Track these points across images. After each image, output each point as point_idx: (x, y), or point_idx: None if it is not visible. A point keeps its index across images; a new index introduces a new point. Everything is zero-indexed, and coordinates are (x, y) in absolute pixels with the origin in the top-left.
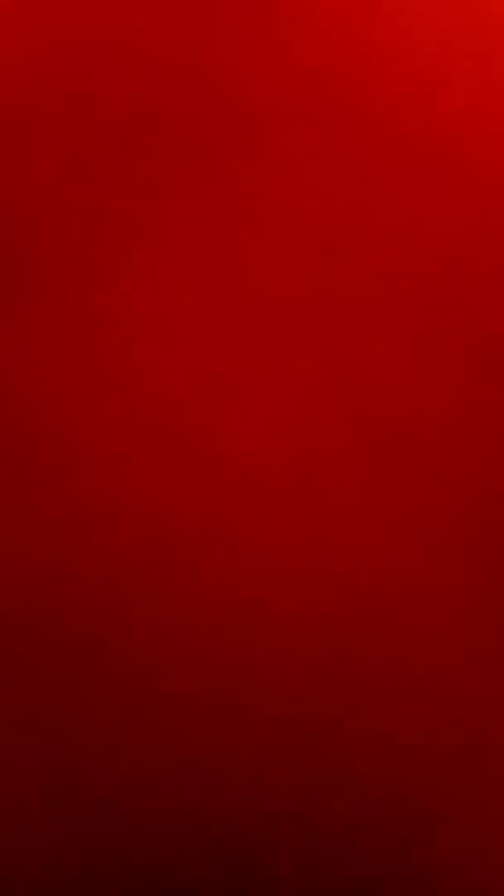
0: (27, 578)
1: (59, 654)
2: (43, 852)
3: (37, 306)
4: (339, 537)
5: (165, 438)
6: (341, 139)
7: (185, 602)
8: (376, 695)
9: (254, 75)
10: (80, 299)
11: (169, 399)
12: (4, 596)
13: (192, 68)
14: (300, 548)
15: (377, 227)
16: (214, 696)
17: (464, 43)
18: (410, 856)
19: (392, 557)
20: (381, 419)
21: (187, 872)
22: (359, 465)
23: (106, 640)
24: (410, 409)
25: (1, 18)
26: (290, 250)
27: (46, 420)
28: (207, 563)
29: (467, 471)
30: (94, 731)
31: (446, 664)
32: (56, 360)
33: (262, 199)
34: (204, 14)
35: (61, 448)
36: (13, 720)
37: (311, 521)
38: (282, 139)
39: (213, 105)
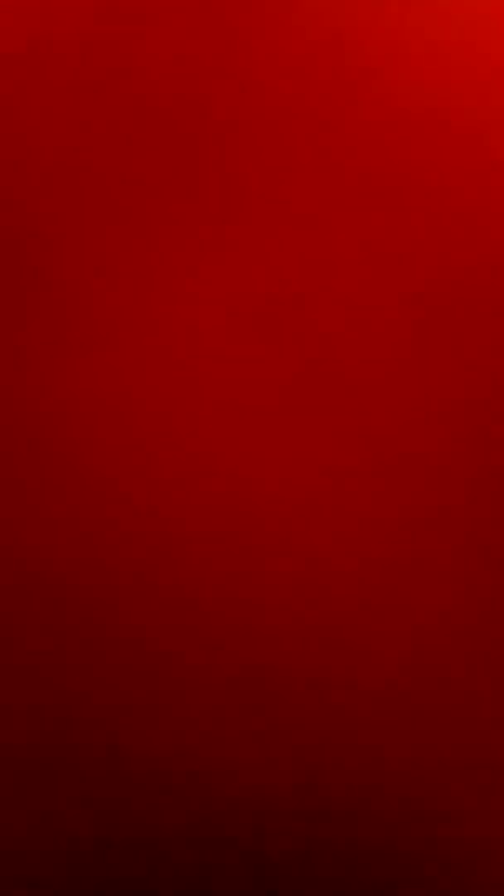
0: (26, 580)
1: (58, 658)
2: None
3: (37, 308)
4: (340, 547)
5: (164, 444)
6: (345, 145)
7: (185, 613)
8: (376, 708)
9: (258, 76)
10: (83, 304)
11: (169, 405)
12: (3, 596)
13: (195, 69)
14: (300, 560)
15: (383, 233)
16: (216, 698)
17: (469, 47)
18: (413, 852)
19: (393, 568)
20: (383, 426)
21: (186, 870)
22: (360, 474)
23: (105, 644)
24: (412, 416)
25: (8, 31)
26: (295, 258)
27: (46, 427)
28: (208, 573)
29: (471, 484)
30: (92, 731)
31: (447, 671)
32: (58, 367)
33: (265, 201)
34: (207, 15)
35: (62, 454)
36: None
37: (312, 528)
38: (285, 140)
39: (216, 106)
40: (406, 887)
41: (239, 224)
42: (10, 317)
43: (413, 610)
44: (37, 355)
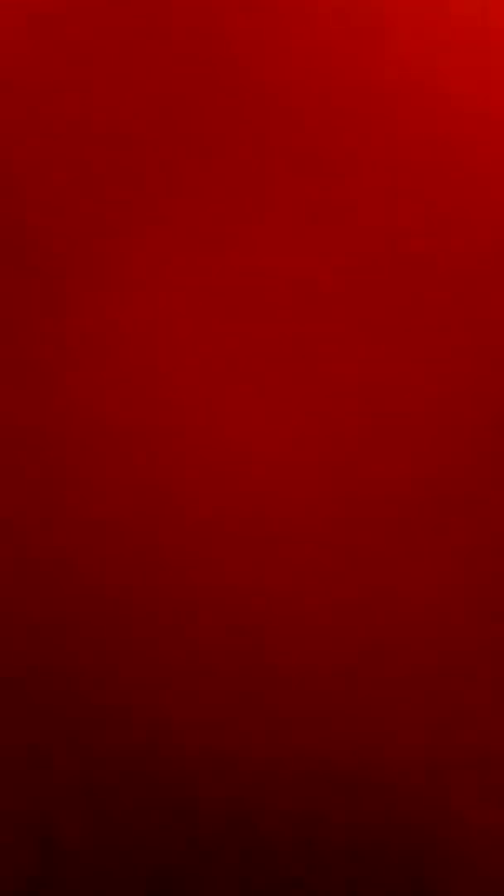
0: (27, 578)
1: (59, 649)
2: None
3: (36, 308)
4: (342, 541)
5: (164, 442)
6: (346, 145)
7: (186, 613)
8: (376, 704)
9: (259, 76)
10: (83, 303)
11: (169, 404)
12: (4, 594)
13: (196, 68)
14: (300, 554)
15: (382, 232)
16: (215, 699)
17: (467, 49)
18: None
19: (393, 561)
20: (385, 425)
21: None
22: (360, 471)
23: (105, 643)
24: (412, 412)
25: (8, 31)
26: (294, 256)
27: (46, 425)
28: (208, 572)
29: (479, 485)
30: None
31: (448, 660)
32: (58, 365)
33: (265, 200)
34: (209, 15)
35: (61, 452)
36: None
37: (312, 525)
38: (285, 140)
39: (217, 105)
40: (407, 886)
41: (238, 224)
42: (9, 316)
43: (415, 601)
44: (36, 353)
